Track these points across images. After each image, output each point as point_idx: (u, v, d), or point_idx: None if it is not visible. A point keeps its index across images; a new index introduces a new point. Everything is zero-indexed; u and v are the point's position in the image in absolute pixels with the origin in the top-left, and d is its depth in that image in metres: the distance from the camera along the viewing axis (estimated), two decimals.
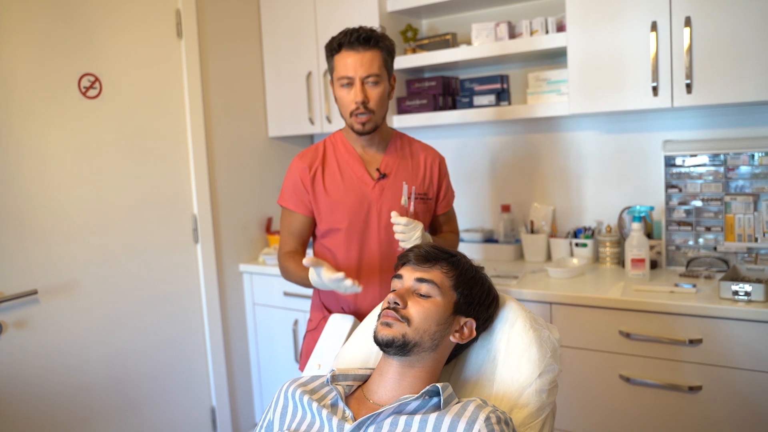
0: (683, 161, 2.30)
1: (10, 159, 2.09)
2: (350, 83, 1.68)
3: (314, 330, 1.84)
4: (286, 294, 2.79)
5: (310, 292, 2.66)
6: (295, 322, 2.76)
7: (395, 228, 1.64)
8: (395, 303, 1.25)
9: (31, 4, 2.13)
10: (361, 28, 1.68)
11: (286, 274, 1.79)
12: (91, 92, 2.30)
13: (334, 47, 1.70)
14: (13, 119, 2.09)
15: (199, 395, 2.74)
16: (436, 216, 1.92)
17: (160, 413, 2.56)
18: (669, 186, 2.33)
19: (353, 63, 1.66)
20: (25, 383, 2.12)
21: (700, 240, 2.29)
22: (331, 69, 1.74)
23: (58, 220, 2.21)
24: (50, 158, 2.19)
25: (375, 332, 1.25)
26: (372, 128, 1.73)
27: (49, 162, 2.19)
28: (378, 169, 1.79)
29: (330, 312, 1.82)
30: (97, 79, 2.32)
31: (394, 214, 1.64)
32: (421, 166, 1.84)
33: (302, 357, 1.87)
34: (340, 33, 1.69)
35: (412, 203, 1.72)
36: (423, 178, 1.83)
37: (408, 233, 1.63)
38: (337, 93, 1.73)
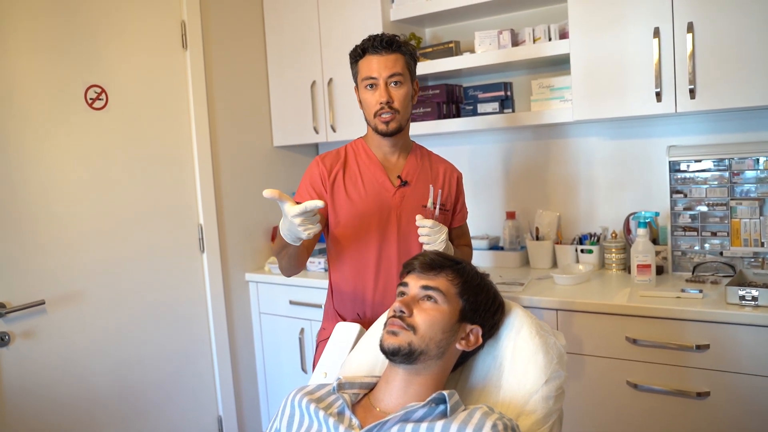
0: (688, 166, 2.30)
1: (17, 169, 2.10)
2: (374, 84, 1.71)
3: (327, 339, 1.84)
4: (292, 303, 2.79)
5: (316, 300, 2.68)
6: (301, 331, 2.76)
7: (420, 231, 1.64)
8: (401, 311, 1.25)
9: (38, 15, 2.15)
10: (383, 33, 1.73)
11: (277, 247, 1.69)
12: (98, 103, 2.32)
13: (358, 53, 1.74)
14: (19, 130, 2.11)
15: (206, 404, 2.75)
16: (451, 229, 1.92)
17: (166, 422, 2.56)
18: (674, 191, 2.32)
19: (377, 65, 1.70)
20: (33, 393, 2.13)
21: (706, 245, 2.29)
22: (355, 74, 1.78)
23: (65, 230, 2.23)
24: (57, 169, 2.21)
25: (381, 341, 1.25)
26: (396, 128, 1.73)
27: (55, 173, 2.21)
28: (399, 177, 1.79)
29: (344, 320, 1.81)
30: (103, 91, 2.34)
31: (419, 217, 1.65)
32: (440, 177, 1.85)
33: (315, 366, 1.87)
34: (364, 39, 1.73)
35: (437, 207, 1.72)
36: (442, 188, 1.84)
37: (434, 236, 1.63)
38: (361, 96, 1.76)
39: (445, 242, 1.64)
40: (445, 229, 1.66)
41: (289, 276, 1.80)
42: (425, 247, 1.64)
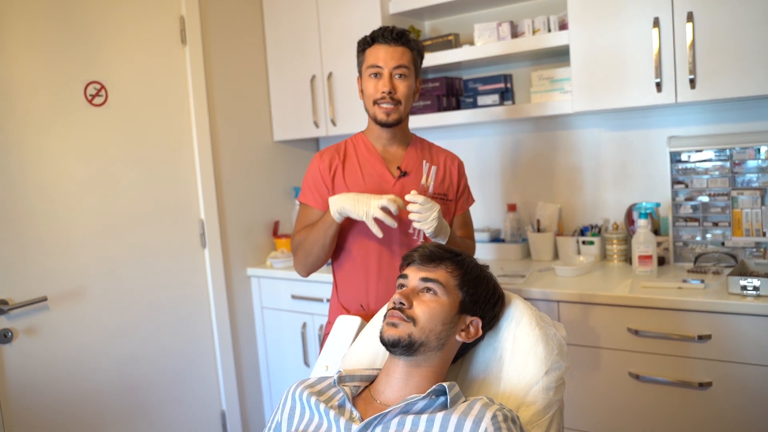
0: (689, 157, 2.29)
1: (17, 166, 2.11)
2: (379, 73, 1.72)
3: None
4: (294, 297, 2.79)
5: (318, 294, 2.68)
6: (304, 325, 2.77)
7: (410, 207, 1.59)
8: (401, 303, 1.25)
9: (37, 12, 2.15)
10: (394, 26, 1.75)
11: (305, 239, 1.76)
12: (97, 100, 2.32)
13: (367, 41, 1.76)
14: (20, 127, 2.11)
15: (209, 399, 2.75)
16: (454, 217, 1.91)
17: (170, 418, 2.57)
18: (675, 182, 2.32)
19: (384, 54, 1.72)
20: (36, 390, 2.13)
21: (708, 235, 2.28)
22: (360, 62, 1.79)
23: (67, 227, 2.23)
24: (57, 165, 2.21)
25: (381, 333, 1.25)
26: (396, 120, 1.74)
27: (56, 169, 2.21)
28: (399, 167, 1.80)
29: (349, 313, 1.81)
30: (102, 87, 2.33)
31: (413, 192, 1.60)
32: (441, 167, 1.86)
33: None
34: (374, 30, 1.76)
35: (431, 184, 1.69)
36: (443, 178, 1.85)
37: (424, 213, 1.58)
38: (364, 84, 1.77)
39: (437, 220, 1.59)
40: (437, 207, 1.60)
41: (307, 272, 1.82)
42: (414, 225, 1.60)
